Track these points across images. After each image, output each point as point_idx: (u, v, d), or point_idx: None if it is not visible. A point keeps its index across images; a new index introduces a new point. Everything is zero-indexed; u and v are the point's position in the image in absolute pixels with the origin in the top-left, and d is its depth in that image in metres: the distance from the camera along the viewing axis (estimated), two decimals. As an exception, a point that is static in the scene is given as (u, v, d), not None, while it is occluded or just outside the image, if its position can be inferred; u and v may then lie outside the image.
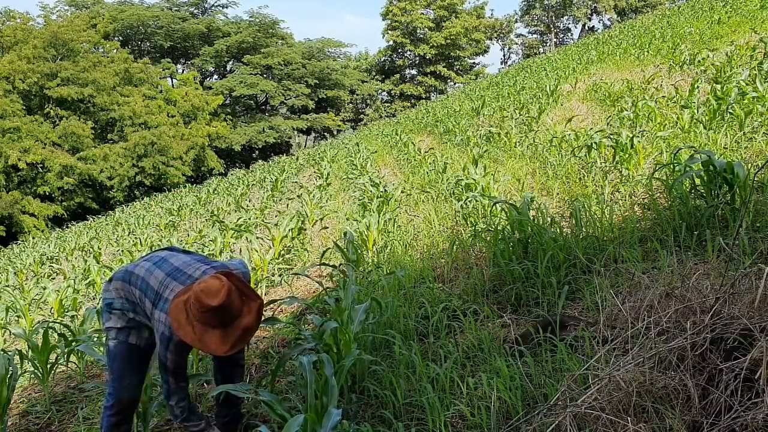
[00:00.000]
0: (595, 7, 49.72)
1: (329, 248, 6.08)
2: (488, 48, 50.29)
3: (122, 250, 12.11)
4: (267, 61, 41.14)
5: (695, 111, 7.10)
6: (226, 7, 47.14)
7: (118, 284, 2.81)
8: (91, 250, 13.94)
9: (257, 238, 7.95)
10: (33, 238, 23.69)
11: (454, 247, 4.92)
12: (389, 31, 46.39)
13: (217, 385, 2.91)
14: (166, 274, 2.68)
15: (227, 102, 41.72)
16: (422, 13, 45.93)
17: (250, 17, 43.81)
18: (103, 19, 38.13)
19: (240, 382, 2.89)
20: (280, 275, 6.59)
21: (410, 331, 3.68)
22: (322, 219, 8.88)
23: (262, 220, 10.36)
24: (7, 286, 10.45)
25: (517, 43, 55.42)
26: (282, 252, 7.36)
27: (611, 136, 6.84)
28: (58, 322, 4.98)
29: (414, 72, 48.59)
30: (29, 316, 6.81)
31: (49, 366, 4.16)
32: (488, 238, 4.92)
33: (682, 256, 3.35)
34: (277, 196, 13.98)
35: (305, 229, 8.29)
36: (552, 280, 3.69)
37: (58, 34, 32.47)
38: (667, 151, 6.16)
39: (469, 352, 3.23)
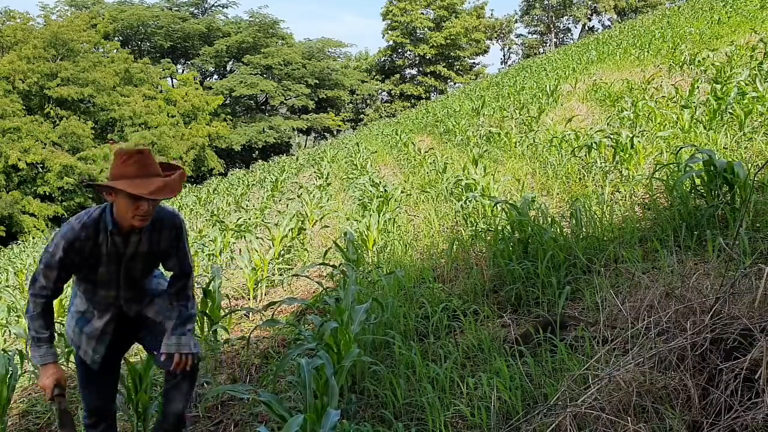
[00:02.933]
0: (595, 7, 49.71)
1: (329, 248, 6.08)
2: (488, 48, 50.34)
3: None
4: (267, 61, 41.14)
5: (695, 111, 7.10)
6: (226, 7, 47.24)
7: None
8: (91, 250, 13.90)
9: (257, 238, 7.95)
10: (33, 238, 23.68)
11: (454, 247, 4.92)
12: (389, 31, 46.39)
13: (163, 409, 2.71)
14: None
15: (227, 102, 41.70)
16: (422, 13, 45.92)
17: (250, 17, 43.83)
18: (103, 19, 38.13)
19: (181, 405, 2.67)
20: (280, 275, 6.59)
21: (410, 331, 3.68)
22: (322, 219, 8.88)
23: (262, 220, 10.37)
24: (7, 286, 10.45)
25: (517, 43, 55.49)
26: (282, 252, 7.36)
27: (611, 136, 6.84)
28: (58, 322, 4.97)
29: (414, 72, 48.59)
30: (29, 316, 6.79)
31: (49, 366, 4.15)
32: (488, 238, 4.92)
33: (682, 256, 3.35)
34: (277, 196, 13.99)
35: (305, 229, 8.28)
36: (552, 280, 3.69)
37: (58, 34, 32.45)
38: (667, 151, 6.17)
39: (469, 352, 3.23)
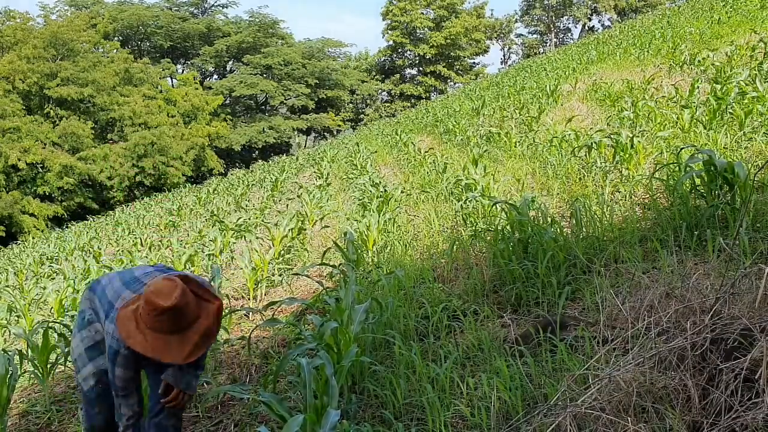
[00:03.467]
0: (595, 7, 49.71)
1: (329, 248, 6.08)
2: (488, 48, 50.33)
3: (122, 250, 12.11)
4: (267, 61, 41.14)
5: (695, 111, 7.10)
6: (226, 7, 47.16)
7: (87, 294, 2.66)
8: (90, 250, 13.93)
9: (257, 238, 7.95)
10: (33, 238, 23.67)
11: (454, 247, 4.92)
12: (389, 31, 46.38)
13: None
14: (123, 284, 2.51)
15: (227, 102, 41.72)
16: (422, 13, 45.92)
17: (250, 17, 43.84)
18: (103, 19, 38.13)
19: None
20: (280, 275, 6.60)
21: (410, 331, 3.68)
22: (322, 219, 8.88)
23: (262, 220, 10.37)
24: (7, 286, 10.45)
25: (517, 43, 55.48)
26: (282, 252, 7.36)
27: (611, 136, 6.84)
28: (58, 322, 4.98)
29: (414, 72, 48.60)
30: (29, 316, 6.80)
31: (49, 366, 4.16)
32: (488, 238, 4.92)
33: (682, 256, 3.35)
34: (277, 196, 13.99)
35: (305, 229, 8.28)
36: (552, 280, 3.69)
37: (58, 34, 32.45)
38: (667, 151, 6.16)
39: (469, 352, 3.23)
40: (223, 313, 4.74)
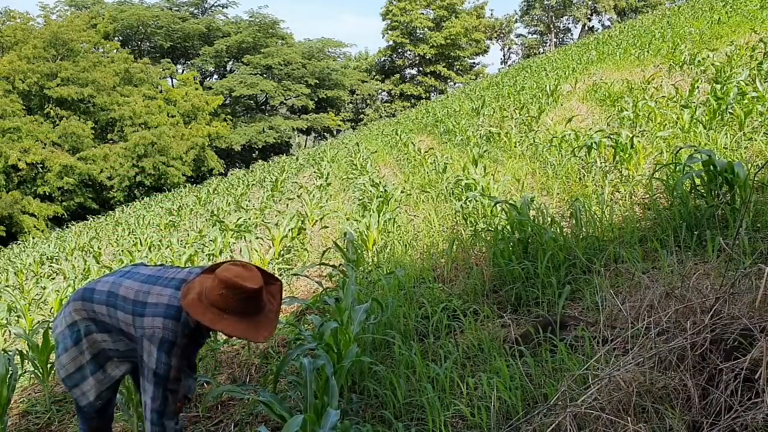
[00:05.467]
0: (595, 7, 49.71)
1: (329, 248, 6.08)
2: (488, 48, 50.35)
3: (122, 250, 12.11)
4: (267, 61, 41.15)
5: (695, 111, 7.10)
6: (226, 7, 47.24)
7: (77, 305, 2.49)
8: (91, 250, 13.94)
9: (257, 238, 7.95)
10: (33, 238, 23.68)
11: (454, 247, 4.92)
12: (389, 31, 46.40)
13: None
14: (142, 282, 2.44)
15: (227, 102, 41.72)
16: (422, 13, 45.94)
17: (250, 17, 43.84)
18: (103, 19, 38.14)
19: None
20: (280, 275, 6.59)
21: (410, 331, 3.68)
22: (322, 219, 8.88)
23: (262, 220, 10.37)
24: (7, 286, 10.45)
25: (517, 43, 55.49)
26: (282, 252, 7.36)
27: (611, 136, 6.85)
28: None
29: (414, 72, 48.61)
30: (29, 316, 6.80)
31: (49, 366, 4.16)
32: (488, 238, 4.92)
33: (682, 256, 3.35)
34: (277, 196, 13.98)
35: (305, 229, 8.28)
36: (552, 280, 3.69)
37: (58, 34, 32.46)
38: (667, 151, 6.17)
39: (469, 352, 3.23)
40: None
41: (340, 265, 5.30)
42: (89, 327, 2.48)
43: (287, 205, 11.89)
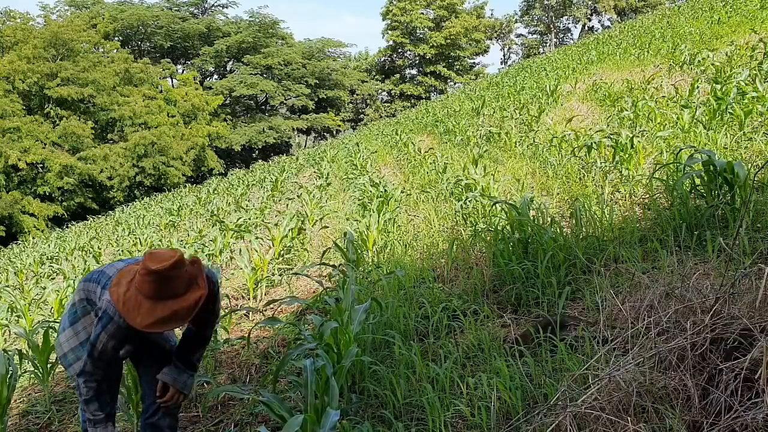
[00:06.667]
0: (595, 7, 49.71)
1: (329, 248, 6.08)
2: (488, 48, 50.32)
3: (122, 250, 12.11)
4: (267, 61, 41.15)
5: (695, 111, 7.10)
6: (226, 7, 47.26)
7: (81, 286, 2.60)
8: (91, 250, 13.94)
9: (257, 238, 7.95)
10: (33, 238, 23.69)
11: (454, 247, 4.92)
12: (389, 31, 46.40)
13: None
14: (128, 264, 2.48)
15: (227, 102, 41.73)
16: (422, 13, 45.93)
17: (250, 17, 43.87)
18: (103, 19, 38.17)
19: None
20: (280, 275, 6.59)
21: (410, 331, 3.68)
22: (322, 219, 8.88)
23: (262, 220, 10.36)
24: (7, 286, 10.45)
25: (517, 43, 55.47)
26: (282, 252, 7.36)
27: (611, 136, 6.85)
28: (58, 322, 4.98)
29: (414, 72, 48.60)
30: (29, 316, 6.80)
31: (49, 366, 4.16)
32: (488, 238, 4.92)
33: (682, 256, 3.35)
34: (277, 196, 13.98)
35: (305, 229, 8.28)
36: (552, 280, 3.69)
37: (58, 34, 32.47)
38: (667, 151, 6.17)
39: (469, 352, 3.23)
40: (223, 313, 4.75)
41: (340, 265, 5.30)
42: (86, 307, 2.55)
43: (287, 205, 11.89)
